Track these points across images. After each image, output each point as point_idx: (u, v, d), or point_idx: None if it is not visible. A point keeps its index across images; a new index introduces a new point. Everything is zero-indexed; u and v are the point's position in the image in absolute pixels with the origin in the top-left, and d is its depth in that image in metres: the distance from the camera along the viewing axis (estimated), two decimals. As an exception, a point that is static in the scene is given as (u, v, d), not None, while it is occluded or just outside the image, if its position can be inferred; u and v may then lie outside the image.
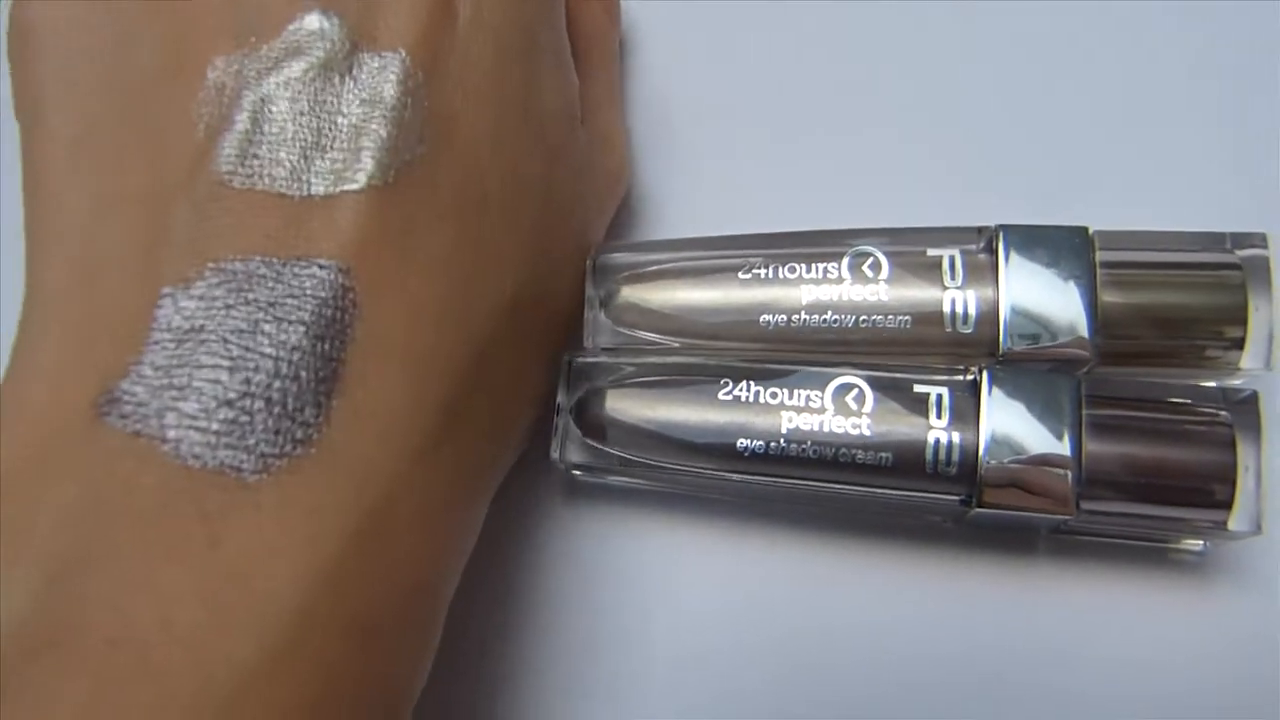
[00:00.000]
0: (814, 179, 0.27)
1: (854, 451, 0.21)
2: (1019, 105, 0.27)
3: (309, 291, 0.17)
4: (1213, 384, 0.22)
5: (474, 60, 0.20)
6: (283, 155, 0.18)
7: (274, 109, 0.18)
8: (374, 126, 0.19)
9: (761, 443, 0.21)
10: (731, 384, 0.22)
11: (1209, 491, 0.20)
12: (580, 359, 0.23)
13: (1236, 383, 0.22)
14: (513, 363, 0.21)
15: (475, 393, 0.20)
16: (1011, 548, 0.23)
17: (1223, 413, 0.21)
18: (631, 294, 0.23)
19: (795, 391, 0.22)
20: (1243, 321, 0.21)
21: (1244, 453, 0.20)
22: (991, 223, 0.22)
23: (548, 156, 0.22)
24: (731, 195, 0.27)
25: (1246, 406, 0.21)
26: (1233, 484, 0.20)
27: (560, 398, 0.23)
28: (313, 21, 0.19)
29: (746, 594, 0.24)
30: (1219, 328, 0.21)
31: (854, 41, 0.28)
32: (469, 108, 0.20)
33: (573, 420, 0.23)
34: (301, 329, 0.17)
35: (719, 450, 0.22)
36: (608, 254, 0.24)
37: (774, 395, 0.22)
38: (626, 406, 0.22)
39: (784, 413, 0.21)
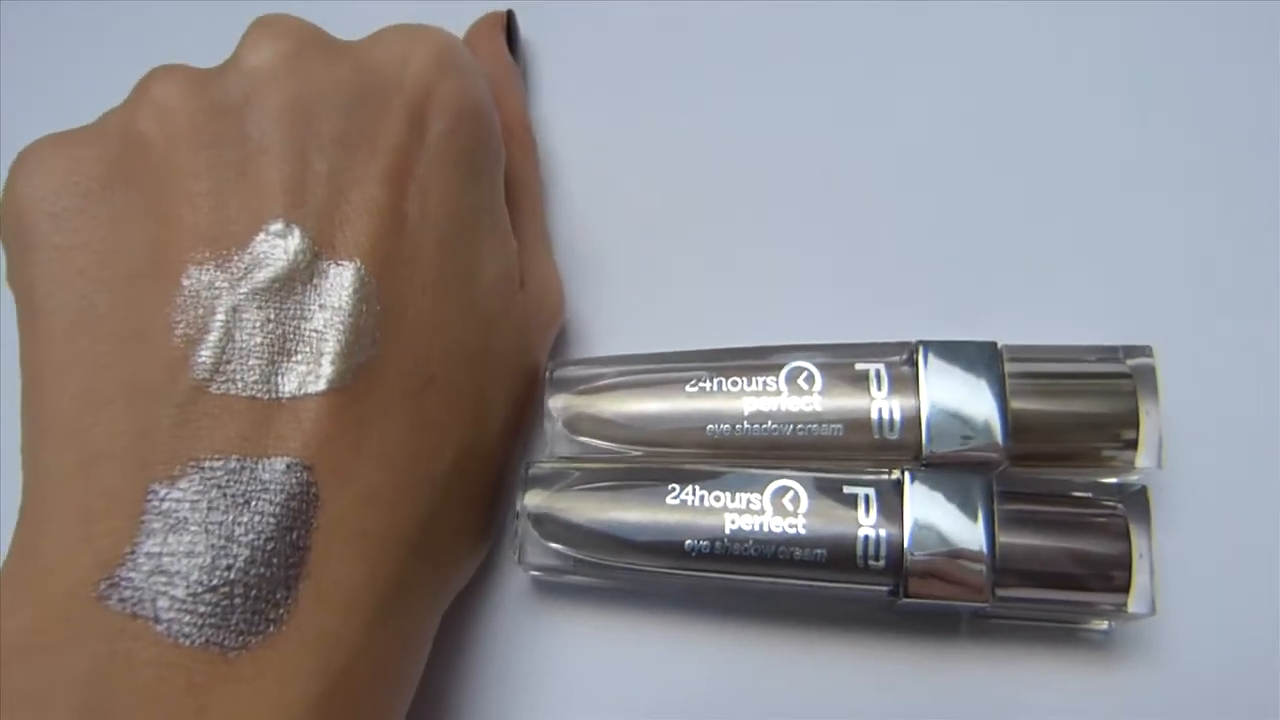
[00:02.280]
0: (737, 296, 0.29)
1: (791, 549, 0.23)
2: (934, 225, 0.30)
3: (278, 487, 0.19)
4: (1112, 480, 0.25)
5: (420, 258, 0.23)
6: (252, 362, 0.20)
7: (244, 318, 0.20)
8: (333, 334, 0.21)
9: (707, 542, 0.24)
10: (679, 488, 0.24)
11: (1109, 577, 0.23)
12: (538, 468, 0.25)
13: (1133, 478, 0.24)
14: (457, 519, 0.24)
15: (423, 558, 0.22)
16: (936, 632, 0.26)
17: (1119, 506, 0.24)
18: (586, 405, 0.26)
19: (737, 495, 0.24)
20: (1135, 425, 0.24)
21: (1138, 542, 0.23)
22: (911, 338, 0.25)
23: (487, 326, 0.24)
24: (660, 313, 0.29)
25: (1138, 499, 0.23)
26: (1129, 570, 0.23)
27: (519, 504, 0.25)
28: (277, 233, 0.21)
29: (695, 681, 0.26)
30: (1115, 430, 0.24)
31: (779, 164, 0.31)
32: (415, 301, 0.22)
33: (530, 525, 0.25)
34: (272, 521, 0.19)
35: (668, 549, 0.24)
36: (563, 369, 0.26)
37: (717, 499, 0.24)
38: (581, 510, 0.25)
39: (727, 514, 0.24)
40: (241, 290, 0.21)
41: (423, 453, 0.22)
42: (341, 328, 0.21)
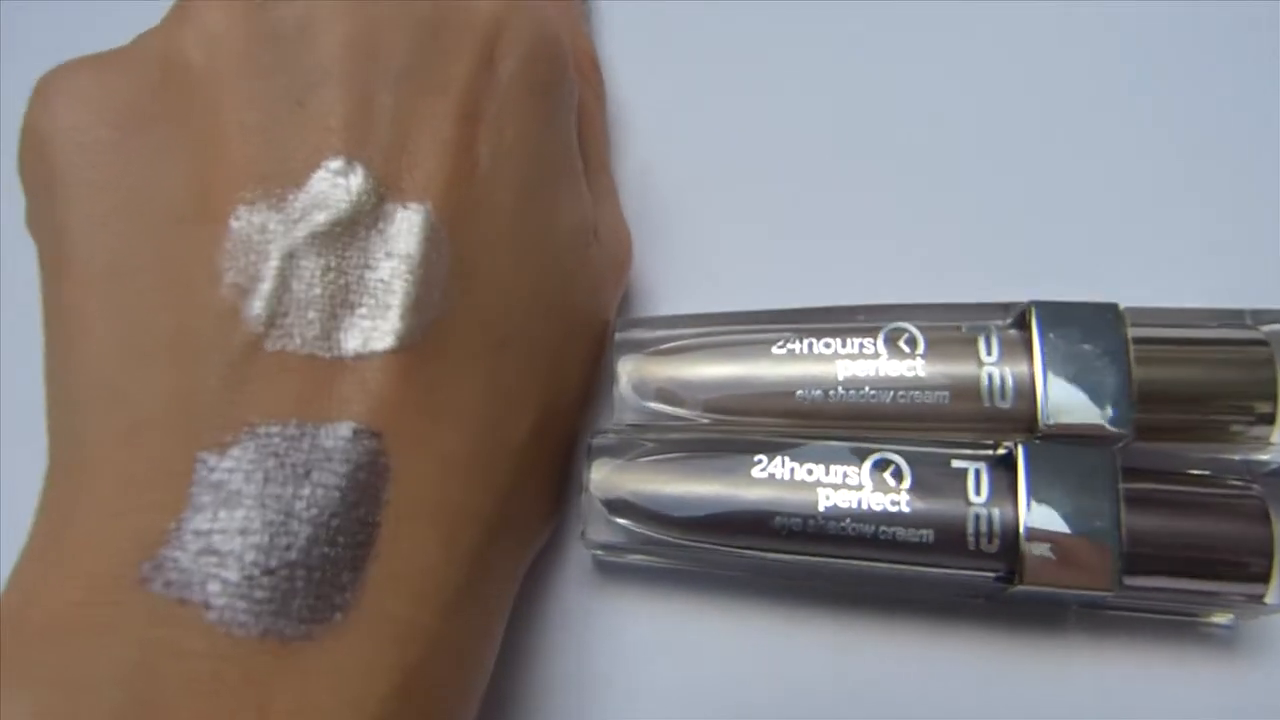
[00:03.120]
0: (813, 252, 0.27)
1: (893, 529, 0.21)
2: (1028, 177, 0.28)
3: (343, 456, 0.17)
4: (1235, 457, 0.22)
5: (494, 206, 0.21)
6: (312, 315, 0.18)
7: (302, 265, 0.18)
8: (401, 284, 0.19)
9: (799, 519, 0.21)
10: (765, 460, 0.22)
11: (1245, 565, 0.21)
12: (604, 438, 0.23)
13: (1264, 457, 0.22)
14: (533, 490, 0.22)
15: (501, 535, 0.20)
16: (1040, 624, 0.23)
17: (1254, 486, 0.21)
18: (657, 369, 0.23)
19: (832, 468, 0.22)
20: (1272, 397, 0.21)
21: (1278, 526, 0.21)
22: (1005, 298, 0.23)
23: (564, 281, 0.23)
24: (730, 269, 0.27)
25: (1275, 479, 0.21)
26: (1269, 557, 0.21)
27: (585, 476, 0.22)
28: (339, 171, 0.19)
29: (769, 673, 0.23)
30: (1249, 403, 0.22)
31: (864, 108, 0.29)
32: (489, 254, 0.20)
33: (598, 500, 0.23)
34: (337, 494, 0.17)
35: (753, 527, 0.22)
36: (631, 329, 0.24)
37: (810, 472, 0.22)
38: (653, 483, 0.22)
39: (820, 489, 0.22)
40: (298, 234, 0.19)
41: (500, 419, 0.20)
42: (410, 278, 0.19)
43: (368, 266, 0.19)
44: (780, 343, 0.23)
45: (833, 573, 0.22)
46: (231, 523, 0.17)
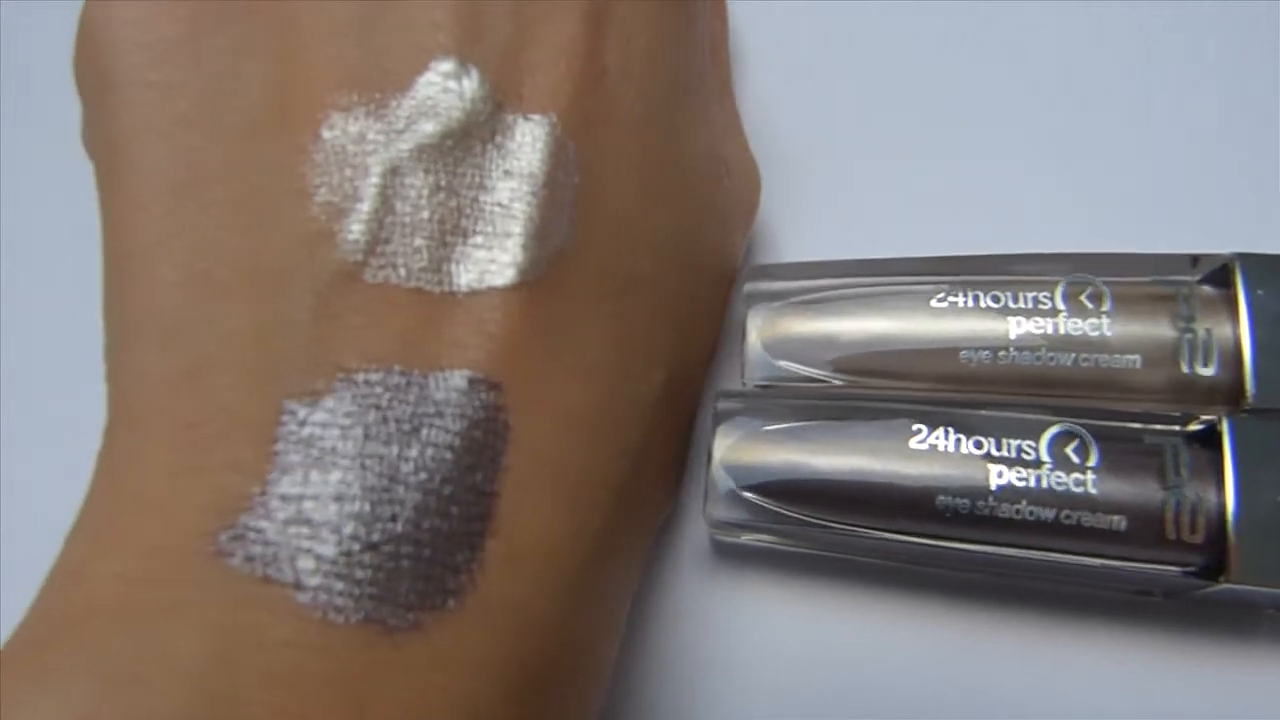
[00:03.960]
0: (959, 193, 0.24)
1: (1078, 513, 0.18)
2: (1220, 115, 0.24)
3: (458, 411, 0.15)
4: None
5: (624, 122, 0.18)
6: (419, 242, 0.16)
7: (407, 183, 0.16)
8: (523, 207, 0.16)
9: (966, 500, 0.18)
10: (926, 430, 0.19)
11: None
12: (730, 401, 0.20)
13: None
14: (661, 457, 0.19)
15: (629, 508, 0.18)
16: (1229, 630, 0.20)
17: None
18: (794, 325, 0.20)
19: (1004, 441, 0.19)
20: None
21: None
22: (1175, 248, 0.20)
23: (695, 215, 0.20)
24: (864, 211, 0.24)
25: None
26: None
27: (710, 446, 0.19)
28: (449, 74, 0.16)
29: (915, 675, 0.20)
30: None
31: (1036, 19, 0.25)
32: (618, 178, 0.18)
33: (725, 472, 0.19)
34: (450, 456, 0.15)
35: (912, 508, 0.19)
36: (761, 279, 0.21)
37: (978, 445, 0.19)
38: (792, 455, 0.19)
39: (992, 466, 0.18)
40: (403, 146, 0.16)
41: (630, 371, 0.18)
42: (534, 201, 0.16)
43: (483, 187, 0.16)
44: (940, 295, 0.20)
45: (1003, 564, 0.19)
46: (326, 487, 0.14)
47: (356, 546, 0.14)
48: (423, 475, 0.14)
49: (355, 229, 0.15)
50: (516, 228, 0.16)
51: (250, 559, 0.14)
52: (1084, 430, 0.19)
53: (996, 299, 0.20)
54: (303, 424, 0.14)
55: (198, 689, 0.13)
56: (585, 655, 0.17)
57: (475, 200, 0.16)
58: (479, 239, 0.16)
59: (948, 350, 0.20)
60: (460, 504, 0.14)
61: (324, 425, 0.14)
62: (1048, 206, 0.23)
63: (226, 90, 0.16)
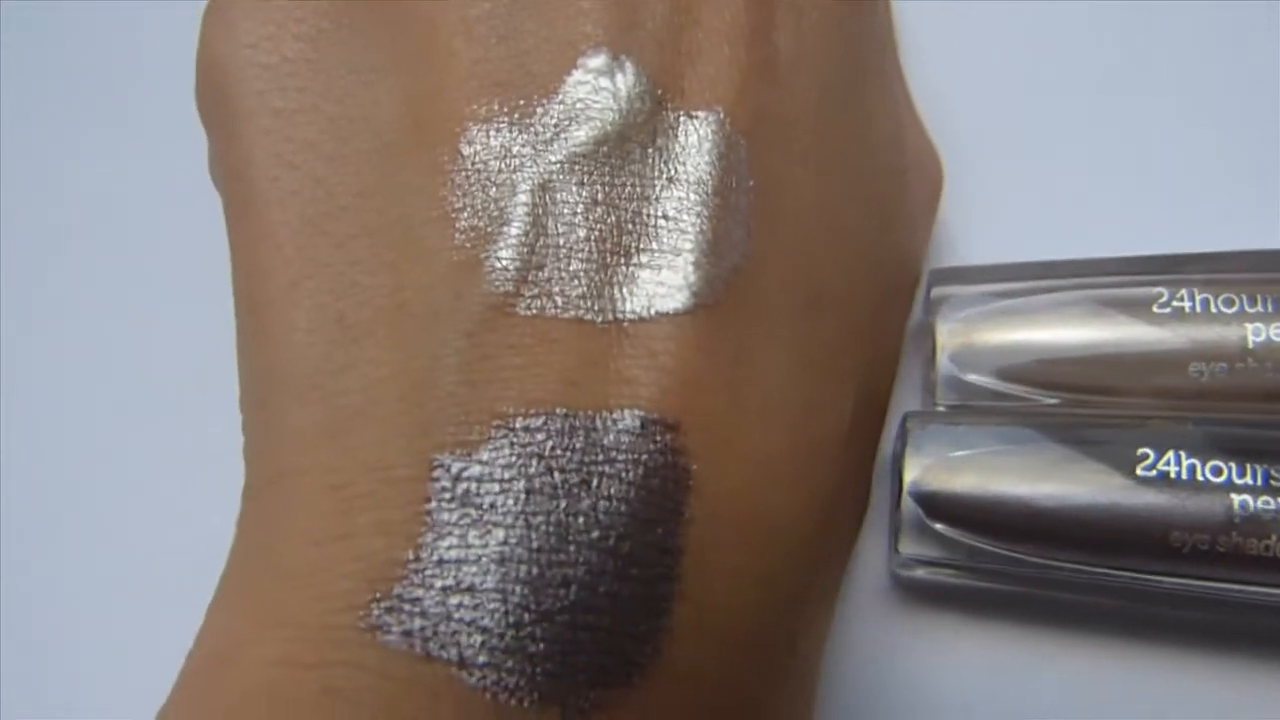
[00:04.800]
0: (1161, 185, 0.22)
1: (1339, 550, 0.16)
2: None
3: (631, 457, 0.13)
4: None
5: (800, 112, 0.16)
6: (576, 265, 0.14)
7: (559, 199, 0.14)
8: (693, 219, 0.14)
9: (1205, 536, 0.16)
10: (1154, 454, 0.17)
11: None
12: (920, 422, 0.18)
13: None
14: (852, 496, 0.17)
15: (822, 560, 0.16)
16: None
17: None
18: (991, 335, 0.18)
19: (1248, 466, 0.16)
20: None
21: None
22: None
23: (881, 215, 0.18)
24: (1055, 208, 0.22)
25: None
26: None
27: (904, 471, 0.17)
28: (601, 70, 0.15)
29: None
30: None
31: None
32: (796, 179, 0.16)
33: (913, 502, 0.17)
34: (625, 509, 0.13)
35: (1142, 545, 0.17)
36: (949, 283, 0.19)
37: (1217, 471, 0.16)
38: (991, 484, 0.17)
39: (1235, 495, 0.16)
40: (553, 158, 0.14)
41: (819, 402, 0.15)
42: (704, 212, 0.14)
43: (646, 198, 0.14)
44: (1163, 299, 0.17)
45: (1249, 606, 0.17)
46: (487, 549, 0.12)
47: (526, 616, 0.12)
48: (596, 533, 0.13)
49: (504, 256, 0.14)
50: (687, 243, 0.14)
51: (408, 634, 0.12)
52: (1343, 453, 0.16)
53: (1230, 302, 0.17)
54: (457, 479, 0.13)
55: None
56: None
57: (638, 214, 0.14)
58: (644, 258, 0.14)
59: (1175, 362, 0.17)
60: (641, 564, 0.13)
61: (481, 480, 0.13)
62: (1272, 196, 0.21)
63: (358, 111, 0.15)
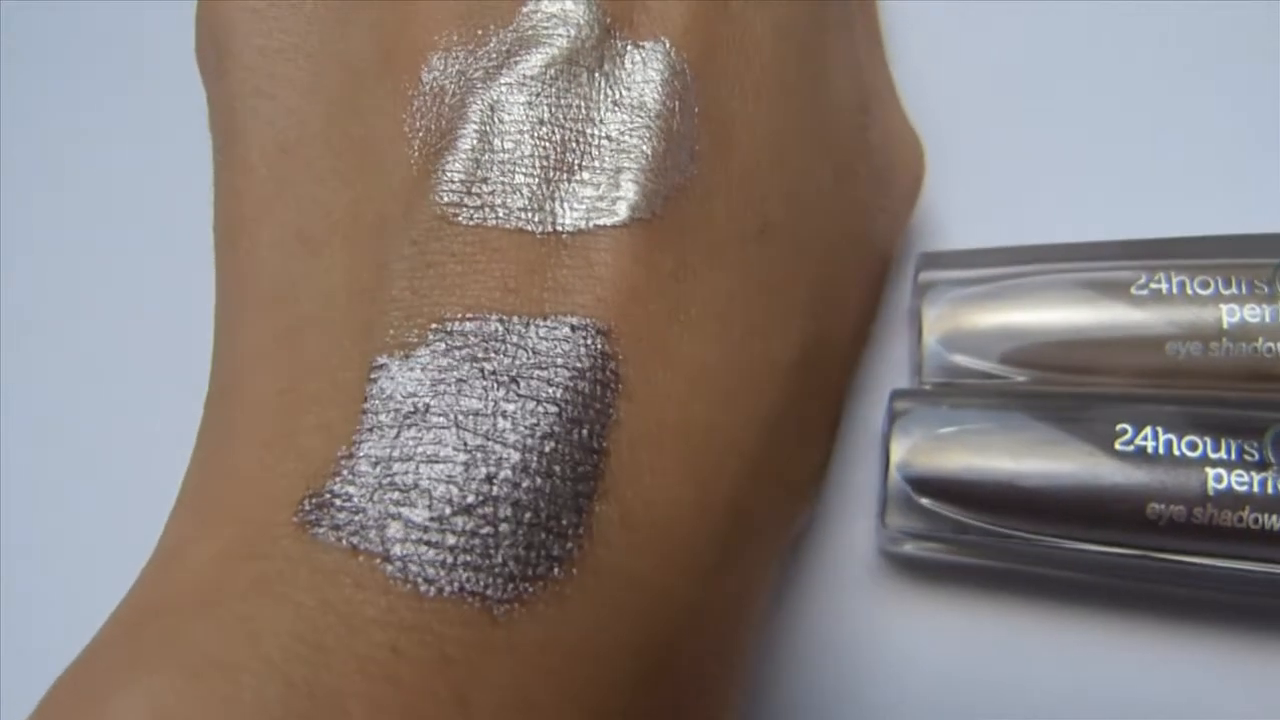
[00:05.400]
0: (1143, 173, 0.22)
1: (1310, 522, 0.16)
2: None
3: (561, 360, 0.14)
4: None
5: (753, 47, 0.17)
6: (520, 179, 0.15)
7: (506, 118, 0.15)
8: (636, 140, 0.15)
9: (1181, 508, 0.17)
10: (1133, 430, 0.17)
11: None
12: (906, 401, 0.18)
13: None
14: (801, 431, 0.17)
15: (765, 485, 0.16)
16: None
17: None
18: (976, 317, 0.19)
19: (1223, 441, 0.17)
20: None
21: None
22: None
23: (837, 163, 0.18)
24: (1042, 195, 0.22)
25: None
26: None
27: (888, 446, 0.18)
28: (554, 1, 0.16)
29: (1121, 704, 0.19)
30: None
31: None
32: (746, 111, 0.16)
33: (901, 477, 0.18)
34: (554, 410, 0.13)
35: (1120, 518, 0.17)
36: (936, 268, 0.19)
37: (1192, 446, 0.17)
38: (977, 460, 0.18)
39: (1210, 469, 0.17)
40: (504, 79, 0.15)
41: (762, 325, 0.16)
42: (647, 133, 0.15)
43: (591, 120, 0.15)
44: (1141, 281, 0.18)
45: (1224, 578, 0.17)
46: (418, 447, 0.13)
47: (448, 510, 0.13)
48: (523, 431, 0.13)
49: (450, 169, 0.15)
50: (628, 162, 0.15)
51: (337, 528, 0.13)
52: (1312, 429, 0.17)
53: (1205, 284, 0.18)
54: (394, 379, 0.14)
55: (285, 679, 0.12)
56: (722, 644, 0.15)
57: (582, 133, 0.15)
58: (586, 175, 0.15)
59: (1152, 342, 0.18)
60: (565, 462, 0.13)
61: (417, 381, 0.13)
62: (1250, 182, 0.22)
63: (334, 46, 0.16)
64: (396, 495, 0.13)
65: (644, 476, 0.14)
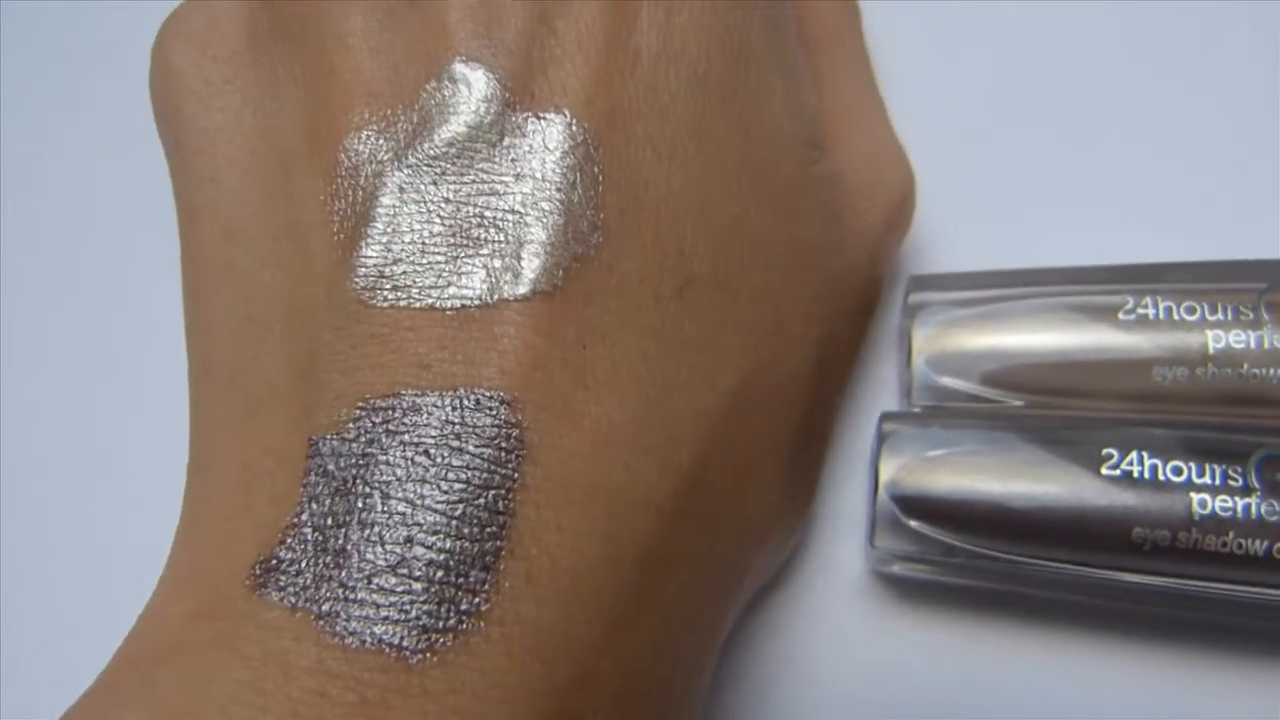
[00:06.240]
0: (1132, 199, 0.23)
1: (1293, 546, 0.17)
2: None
3: (469, 431, 0.15)
4: None
5: (667, 103, 0.17)
6: (429, 258, 0.16)
7: (414, 199, 0.16)
8: (535, 214, 0.16)
9: (1166, 533, 0.17)
10: (1118, 454, 0.17)
11: None
12: (895, 423, 0.19)
13: None
14: (734, 479, 0.18)
15: (686, 530, 0.16)
16: None
17: None
18: (964, 340, 0.19)
19: (1207, 466, 0.17)
20: None
21: None
22: None
23: (778, 206, 0.18)
24: (1031, 220, 0.23)
25: None
26: None
27: (875, 471, 0.18)
28: (453, 78, 0.16)
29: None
30: None
31: (1201, 19, 0.24)
32: (659, 171, 0.17)
33: (890, 499, 0.18)
34: (464, 476, 0.15)
35: (1106, 541, 0.17)
36: (925, 291, 0.20)
37: (1178, 471, 0.17)
38: (965, 482, 0.18)
39: (1195, 494, 0.17)
40: (410, 159, 0.16)
41: (687, 380, 0.16)
42: (547, 206, 0.16)
43: (495, 193, 0.16)
44: (1128, 306, 0.18)
45: (1208, 601, 0.18)
46: (348, 514, 0.15)
47: (370, 570, 0.14)
48: (436, 497, 0.14)
49: (366, 254, 0.16)
50: (529, 235, 0.16)
51: (280, 589, 0.14)
52: (1296, 454, 0.17)
53: (1192, 310, 0.18)
54: (327, 456, 0.15)
55: None
56: (632, 687, 0.16)
57: (485, 209, 0.16)
58: (489, 250, 0.16)
59: (1139, 366, 0.18)
60: (473, 524, 0.14)
61: (346, 456, 0.15)
62: (1236, 210, 0.22)
63: (267, 122, 0.17)
64: (329, 559, 0.14)
65: (549, 534, 0.15)
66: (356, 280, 0.16)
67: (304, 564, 0.14)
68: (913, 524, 0.19)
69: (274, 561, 0.15)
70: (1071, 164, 0.23)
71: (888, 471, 0.19)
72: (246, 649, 0.14)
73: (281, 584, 0.14)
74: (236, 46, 0.18)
